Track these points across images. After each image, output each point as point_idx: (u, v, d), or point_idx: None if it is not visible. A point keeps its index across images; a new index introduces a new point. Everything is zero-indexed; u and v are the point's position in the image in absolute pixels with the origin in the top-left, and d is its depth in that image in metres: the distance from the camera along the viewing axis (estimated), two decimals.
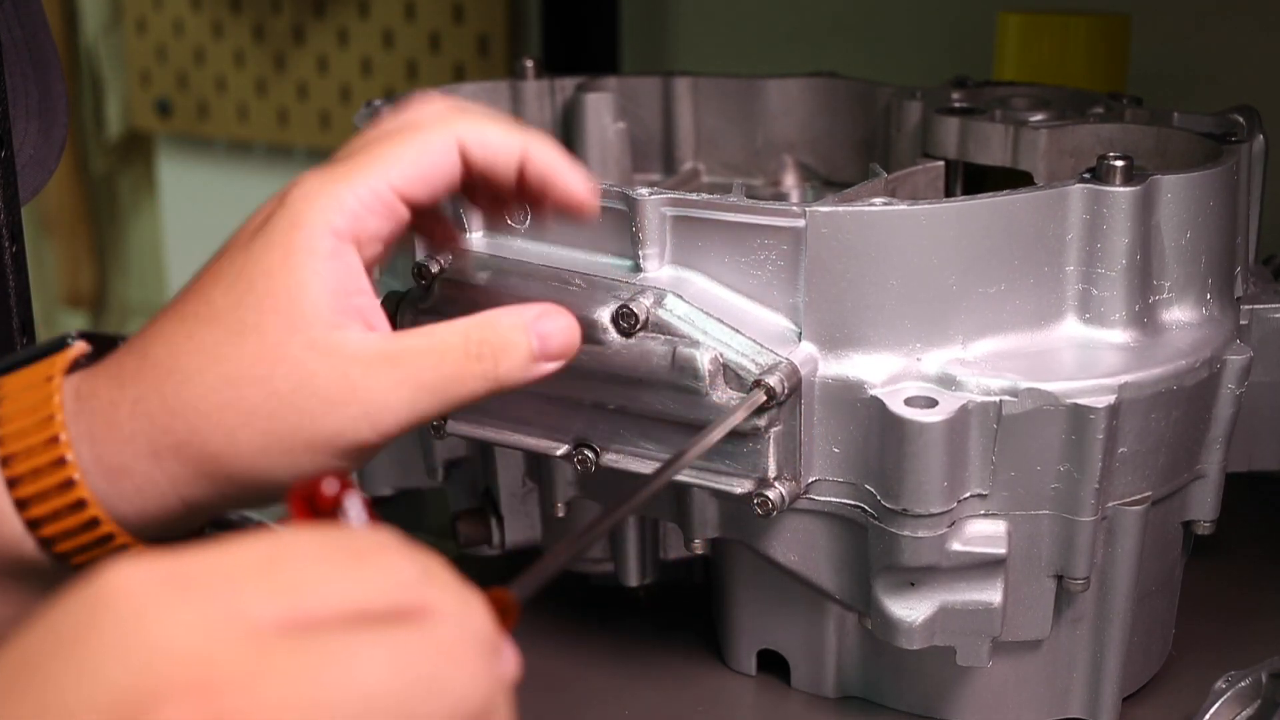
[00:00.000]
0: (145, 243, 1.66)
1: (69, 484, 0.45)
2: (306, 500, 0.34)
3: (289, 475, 0.45)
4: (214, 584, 0.30)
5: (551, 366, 0.48)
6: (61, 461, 0.44)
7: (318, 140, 1.44)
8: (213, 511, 0.47)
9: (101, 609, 0.30)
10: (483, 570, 0.76)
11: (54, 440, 0.45)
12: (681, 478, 0.56)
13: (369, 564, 0.32)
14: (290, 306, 0.45)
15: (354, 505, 0.34)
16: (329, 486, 0.34)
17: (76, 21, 1.61)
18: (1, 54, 0.62)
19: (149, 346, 0.46)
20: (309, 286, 0.45)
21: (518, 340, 0.47)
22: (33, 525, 0.45)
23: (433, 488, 0.73)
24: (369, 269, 0.47)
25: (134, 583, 0.30)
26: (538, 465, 0.66)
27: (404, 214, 0.47)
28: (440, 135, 0.48)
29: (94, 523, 0.45)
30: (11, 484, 0.45)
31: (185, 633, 0.29)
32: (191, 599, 0.30)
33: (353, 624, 0.31)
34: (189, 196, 1.59)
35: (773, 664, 0.66)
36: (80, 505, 0.45)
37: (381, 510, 0.86)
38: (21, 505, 0.45)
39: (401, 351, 0.45)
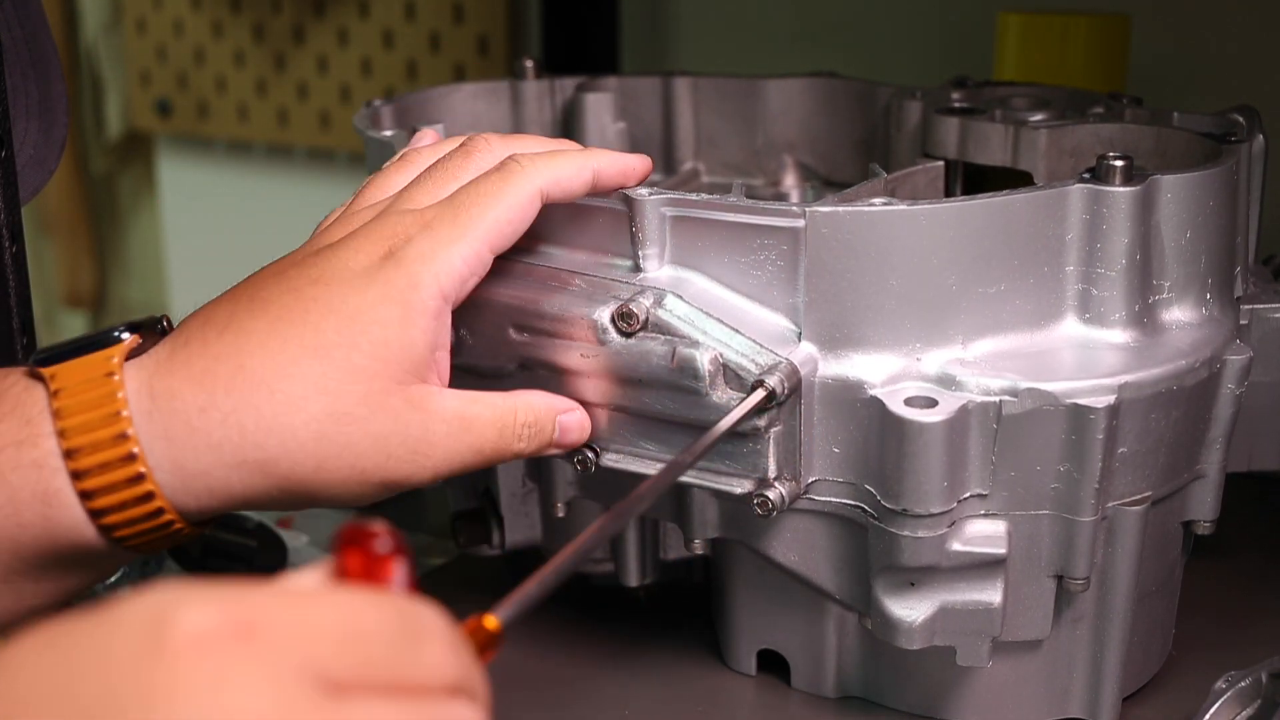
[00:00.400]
0: (145, 243, 1.66)
1: (138, 478, 0.47)
2: (357, 548, 0.34)
3: (352, 500, 0.50)
4: (292, 646, 0.30)
5: (556, 452, 0.55)
6: (131, 457, 0.46)
7: (318, 140, 1.44)
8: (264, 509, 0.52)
9: (178, 667, 0.29)
10: (483, 570, 0.76)
11: (123, 436, 0.47)
12: (682, 478, 0.56)
13: (429, 649, 0.33)
14: (400, 360, 0.49)
15: (401, 569, 0.34)
16: (383, 545, 0.34)
17: (76, 21, 1.61)
18: (1, 54, 0.62)
19: (244, 359, 0.48)
20: (418, 345, 0.49)
21: (548, 428, 0.54)
22: (94, 514, 0.47)
23: (433, 488, 0.73)
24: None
25: (210, 636, 0.29)
26: (538, 465, 0.66)
27: (489, 266, 0.52)
28: (527, 189, 0.52)
29: (158, 512, 0.47)
30: (76, 475, 0.46)
31: (264, 700, 0.29)
32: (269, 662, 0.30)
33: (411, 698, 0.32)
34: (189, 196, 1.59)
35: (773, 664, 0.66)
36: (147, 497, 0.47)
37: (382, 510, 0.86)
38: (85, 495, 0.47)
39: (474, 418, 0.51)
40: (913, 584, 0.56)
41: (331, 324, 0.48)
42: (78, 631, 0.30)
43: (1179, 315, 0.58)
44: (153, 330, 0.50)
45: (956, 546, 0.55)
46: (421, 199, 0.53)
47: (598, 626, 0.71)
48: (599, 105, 0.83)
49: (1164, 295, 0.58)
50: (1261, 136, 0.65)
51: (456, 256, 0.50)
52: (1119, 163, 0.55)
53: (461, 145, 0.55)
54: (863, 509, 0.56)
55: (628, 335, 0.55)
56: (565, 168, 0.53)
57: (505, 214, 0.51)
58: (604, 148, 0.82)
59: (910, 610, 0.56)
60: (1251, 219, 0.65)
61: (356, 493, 0.50)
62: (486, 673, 0.35)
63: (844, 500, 0.56)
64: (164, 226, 1.62)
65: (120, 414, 0.47)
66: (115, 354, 0.48)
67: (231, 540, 0.76)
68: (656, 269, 0.57)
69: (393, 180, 0.56)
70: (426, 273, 0.49)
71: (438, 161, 0.55)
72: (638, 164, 0.56)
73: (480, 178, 0.53)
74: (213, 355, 0.48)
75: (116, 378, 0.47)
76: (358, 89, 1.40)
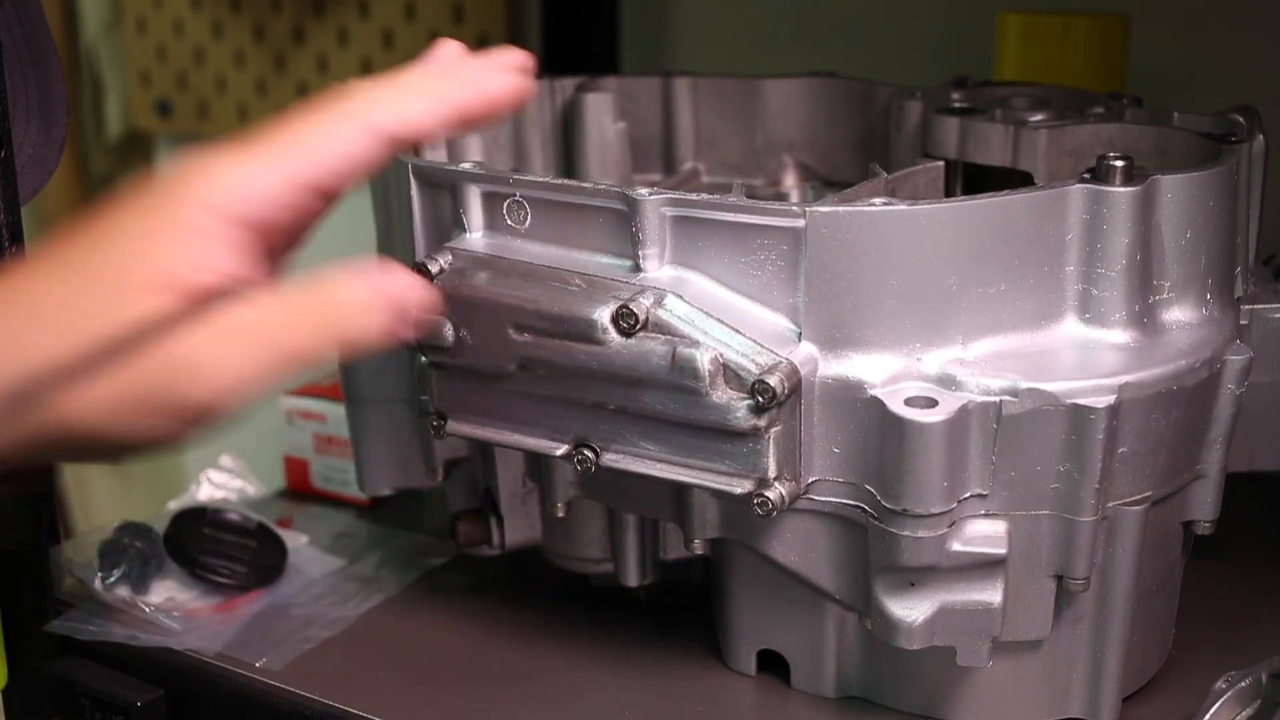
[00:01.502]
0: None
1: None
2: None
3: (132, 439, 0.45)
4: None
5: (387, 322, 0.47)
6: None
7: None
8: (14, 463, 0.47)
9: None
10: (483, 570, 0.76)
11: None
12: (681, 478, 0.56)
13: None
14: (154, 273, 0.45)
15: None
16: None
17: (76, 21, 1.61)
18: (1, 54, 0.62)
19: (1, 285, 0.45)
20: (167, 257, 0.45)
21: (358, 299, 0.47)
22: None
23: (433, 488, 0.73)
24: (268, 254, 0.47)
25: None
26: (538, 465, 0.66)
27: (303, 203, 0.47)
28: (349, 126, 0.48)
29: None
30: None
31: None
32: None
33: None
34: None
35: (773, 664, 0.66)
36: None
37: (382, 511, 0.86)
38: None
39: (254, 325, 0.45)
40: (913, 584, 0.56)
41: (84, 240, 0.46)
42: None
43: (1179, 315, 0.58)
44: None
45: (956, 546, 0.55)
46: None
47: (598, 626, 0.71)
48: (598, 105, 0.83)
49: (1164, 295, 0.58)
50: (1261, 136, 0.65)
51: (238, 172, 0.46)
52: (1119, 163, 0.55)
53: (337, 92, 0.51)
54: (863, 509, 0.56)
55: (628, 335, 0.55)
56: (405, 103, 0.49)
57: (322, 144, 0.47)
58: (604, 149, 0.83)
59: (910, 610, 0.56)
60: (1252, 219, 0.65)
61: (133, 424, 0.45)
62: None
63: (844, 500, 0.56)
64: None
65: None
66: None
67: (232, 540, 0.76)
68: (657, 269, 0.57)
69: None
70: (188, 185, 0.46)
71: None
72: (505, 83, 0.50)
73: (314, 110, 0.49)
74: None
75: None
76: None
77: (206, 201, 0.46)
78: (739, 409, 0.54)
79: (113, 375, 0.44)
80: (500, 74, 0.50)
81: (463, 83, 0.50)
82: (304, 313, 0.46)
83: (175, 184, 0.46)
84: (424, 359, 0.61)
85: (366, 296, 0.47)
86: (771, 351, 0.54)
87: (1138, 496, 0.57)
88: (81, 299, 0.45)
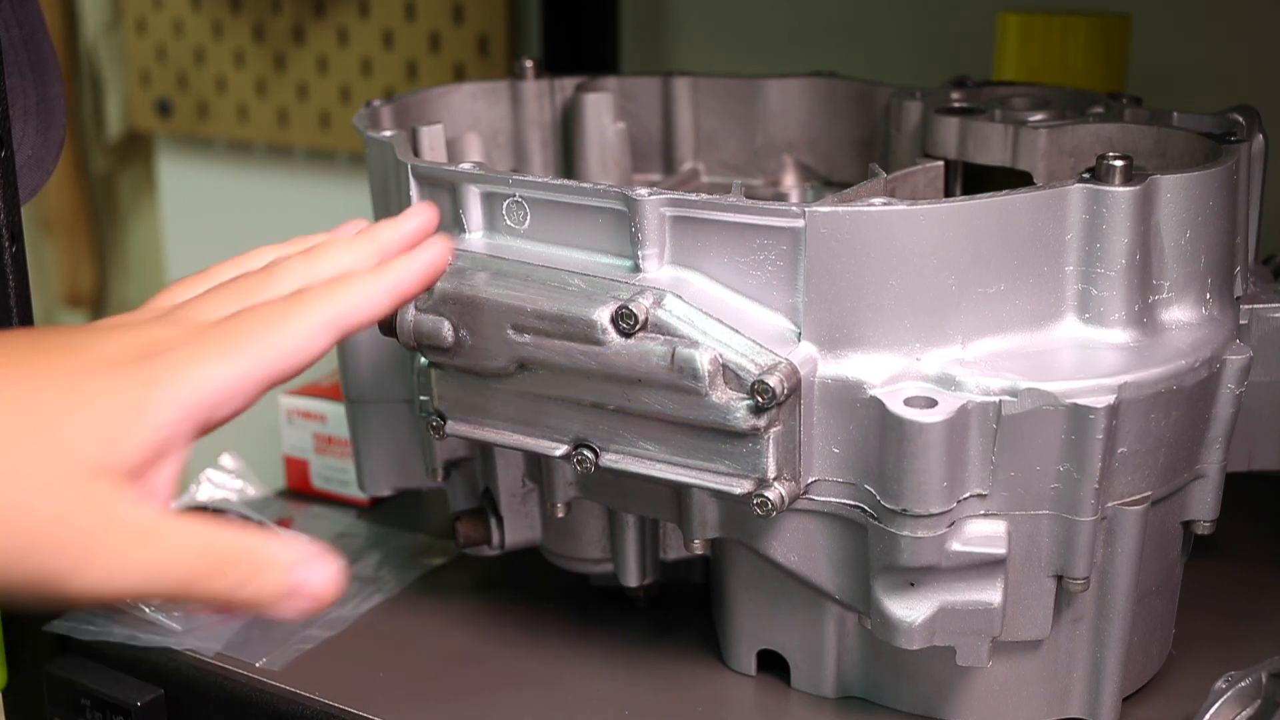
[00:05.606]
0: (145, 243, 1.66)
1: None
2: None
3: (17, 601, 0.44)
4: None
5: (304, 607, 0.46)
6: None
7: (318, 140, 1.44)
8: None
9: None
10: (483, 570, 0.76)
11: None
12: (681, 478, 0.56)
13: None
14: (100, 454, 0.43)
15: None
16: None
17: (76, 21, 1.61)
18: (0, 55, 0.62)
19: None
20: (126, 445, 0.44)
21: (272, 579, 0.45)
22: None
23: (433, 488, 0.73)
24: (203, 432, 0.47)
25: None
26: (537, 465, 0.66)
27: (256, 398, 0.47)
28: (311, 322, 0.48)
29: None
30: None
31: None
32: None
33: None
34: (189, 196, 1.59)
35: (773, 664, 0.66)
36: None
37: (381, 511, 0.86)
38: None
39: (163, 532, 0.44)
40: (912, 584, 0.56)
41: (47, 394, 0.44)
42: None
43: (1179, 315, 0.58)
44: None
45: (956, 546, 0.55)
46: (206, 312, 0.50)
47: (598, 626, 0.71)
48: (598, 105, 0.83)
49: (1164, 295, 0.58)
50: (1261, 136, 0.65)
51: (210, 375, 0.46)
52: (1119, 163, 0.55)
53: (266, 265, 0.53)
54: (862, 509, 0.56)
55: (627, 335, 0.55)
56: (356, 298, 0.50)
57: (283, 344, 0.48)
58: (604, 149, 0.83)
59: (910, 610, 0.56)
60: (1251, 219, 0.65)
61: (22, 596, 0.43)
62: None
63: (844, 500, 0.56)
64: (164, 226, 1.61)
65: None
66: None
67: None
68: (656, 269, 0.57)
69: (184, 288, 0.53)
70: (170, 379, 0.45)
71: (237, 277, 0.52)
72: (435, 257, 0.53)
73: (266, 303, 0.49)
74: None
75: None
76: (358, 89, 1.40)
77: (177, 402, 0.45)
78: (738, 409, 0.54)
79: (13, 548, 0.42)
80: (424, 251, 0.53)
81: (400, 271, 0.52)
82: (213, 557, 0.45)
83: (156, 371, 0.45)
84: (424, 359, 0.61)
85: (279, 580, 0.45)
86: (771, 352, 0.54)
87: (1137, 496, 0.57)
88: (16, 449, 0.43)
